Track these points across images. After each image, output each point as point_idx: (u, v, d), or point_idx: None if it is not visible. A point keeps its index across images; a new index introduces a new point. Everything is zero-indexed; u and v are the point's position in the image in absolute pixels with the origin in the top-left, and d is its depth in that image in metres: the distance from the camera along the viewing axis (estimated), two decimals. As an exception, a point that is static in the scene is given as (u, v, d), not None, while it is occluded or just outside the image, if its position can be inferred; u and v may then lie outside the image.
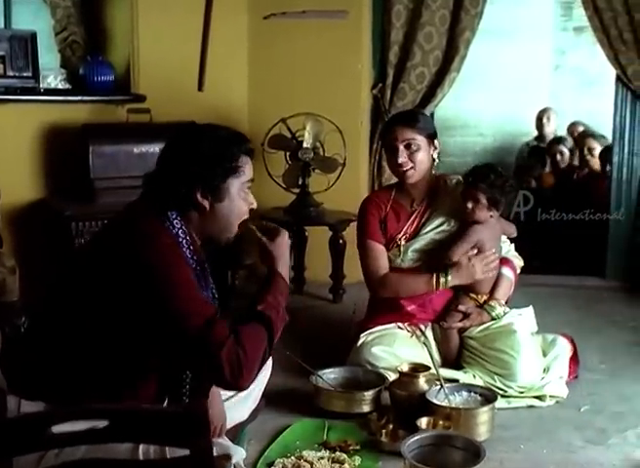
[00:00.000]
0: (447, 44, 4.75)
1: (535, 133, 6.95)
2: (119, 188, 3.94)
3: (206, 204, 2.12)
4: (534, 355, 3.16)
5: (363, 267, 3.33)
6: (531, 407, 3.04)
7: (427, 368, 2.95)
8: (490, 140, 7.48)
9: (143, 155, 4.01)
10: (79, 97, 4.21)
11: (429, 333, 3.27)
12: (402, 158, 3.21)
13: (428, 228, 3.30)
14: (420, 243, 3.29)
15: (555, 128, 6.76)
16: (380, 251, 3.28)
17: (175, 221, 2.12)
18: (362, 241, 3.34)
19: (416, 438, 2.44)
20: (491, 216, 3.22)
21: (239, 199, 2.17)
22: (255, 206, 2.23)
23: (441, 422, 2.66)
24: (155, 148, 3.96)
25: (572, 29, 7.60)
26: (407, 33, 4.74)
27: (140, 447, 1.88)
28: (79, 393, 2.04)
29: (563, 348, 3.31)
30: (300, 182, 4.35)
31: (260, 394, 2.73)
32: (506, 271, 3.30)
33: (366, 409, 2.93)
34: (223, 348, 1.95)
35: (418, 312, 3.27)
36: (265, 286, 2.23)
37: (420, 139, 3.23)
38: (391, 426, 2.75)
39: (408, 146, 3.22)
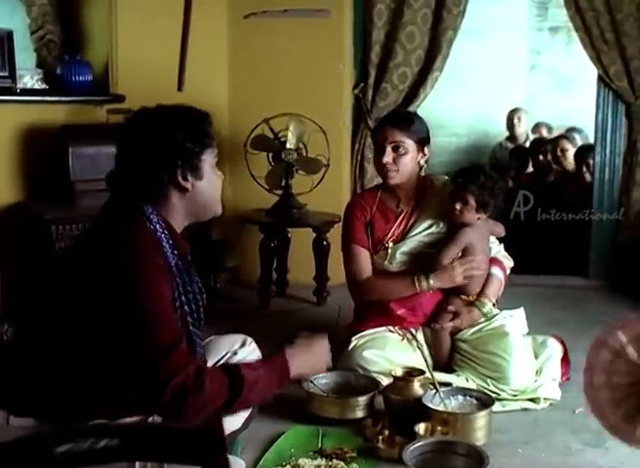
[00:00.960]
0: (429, 43, 4.72)
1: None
2: (100, 191, 3.73)
3: (188, 185, 2.10)
4: (526, 358, 3.13)
5: (346, 270, 3.30)
6: (525, 409, 3.01)
7: (421, 372, 2.92)
8: (464, 140, 7.49)
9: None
10: (57, 98, 4.10)
11: (420, 337, 3.23)
12: (387, 158, 3.18)
13: (416, 231, 3.26)
14: (408, 246, 3.25)
15: (526, 128, 6.77)
16: (363, 255, 3.25)
17: (152, 216, 2.08)
18: (346, 245, 3.30)
19: (417, 445, 2.40)
20: (478, 219, 3.19)
21: (214, 173, 2.17)
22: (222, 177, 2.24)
23: (439, 428, 2.62)
24: (136, 150, 3.90)
25: (547, 29, 7.63)
26: (389, 32, 4.70)
27: (137, 464, 1.82)
28: (64, 403, 1.99)
29: (554, 350, 3.29)
30: (283, 184, 4.28)
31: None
32: (496, 271, 3.29)
33: (360, 414, 2.87)
34: (175, 376, 1.95)
35: (408, 316, 3.23)
36: (265, 360, 2.29)
37: (410, 144, 3.20)
38: (387, 432, 2.70)
39: (396, 148, 3.19)
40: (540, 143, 6.23)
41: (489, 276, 3.26)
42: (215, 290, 4.29)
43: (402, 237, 3.26)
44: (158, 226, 2.09)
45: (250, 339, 2.64)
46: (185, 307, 2.17)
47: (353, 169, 4.83)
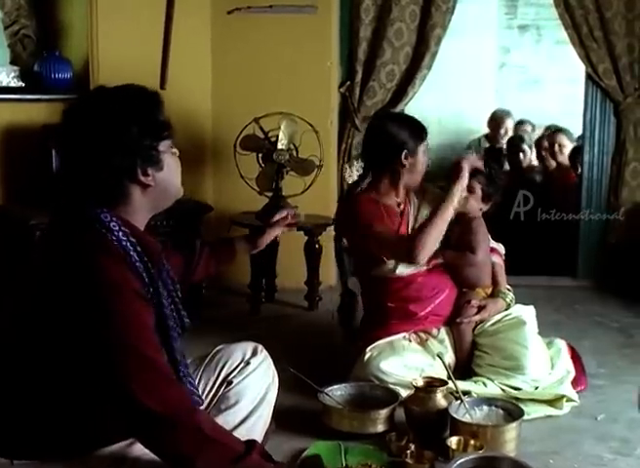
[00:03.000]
0: (417, 40, 4.62)
1: (481, 131, 6.93)
2: None
3: (150, 180, 1.90)
4: (542, 348, 3.12)
5: (389, 243, 3.04)
6: (547, 417, 2.92)
7: (443, 381, 2.81)
8: (434, 139, 7.40)
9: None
10: (36, 96, 3.88)
11: (444, 335, 3.14)
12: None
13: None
14: None
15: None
16: (393, 230, 3.10)
17: (112, 224, 1.85)
18: (368, 227, 3.04)
19: (459, 461, 2.28)
20: (480, 209, 3.22)
21: (171, 157, 1.96)
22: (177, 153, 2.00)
23: (472, 442, 2.51)
24: (122, 151, 3.71)
25: (516, 27, 7.61)
26: (376, 29, 4.59)
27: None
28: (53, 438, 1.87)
29: (561, 345, 3.26)
30: (273, 185, 4.13)
31: (270, 415, 2.52)
32: (497, 259, 3.32)
33: (380, 428, 2.74)
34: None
35: (429, 316, 3.15)
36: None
37: None
38: (413, 446, 2.58)
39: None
40: (516, 142, 6.17)
41: (493, 265, 3.29)
42: (200, 297, 4.11)
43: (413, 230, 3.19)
44: (121, 234, 1.87)
45: (260, 347, 2.48)
46: (169, 323, 2.01)
47: (340, 169, 4.70)
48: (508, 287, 3.30)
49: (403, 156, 3.11)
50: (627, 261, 4.65)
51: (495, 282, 3.27)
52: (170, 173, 1.96)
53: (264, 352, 2.47)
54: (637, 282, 4.53)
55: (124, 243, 1.86)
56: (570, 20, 4.53)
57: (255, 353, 2.43)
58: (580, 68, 7.00)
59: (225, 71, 4.55)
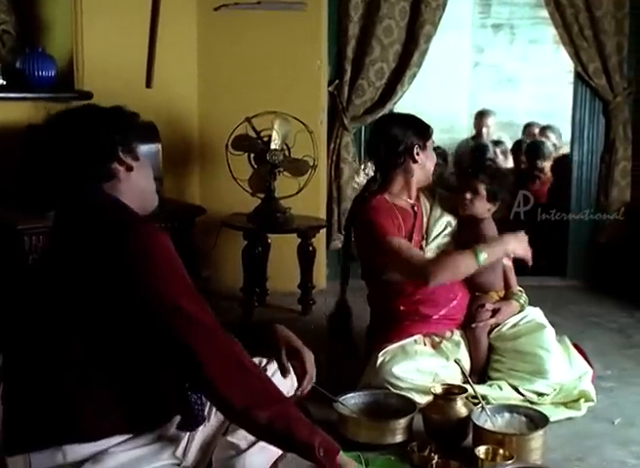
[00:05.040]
0: (407, 38, 4.54)
1: (457, 130, 6.92)
2: None
3: (130, 162, 1.93)
4: (561, 351, 3.08)
5: (404, 262, 2.97)
6: (565, 420, 2.88)
7: (461, 388, 2.74)
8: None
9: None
10: (20, 95, 3.71)
11: (459, 338, 3.08)
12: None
13: (439, 227, 3.19)
14: (438, 244, 3.17)
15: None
16: (409, 243, 3.03)
17: (119, 197, 1.92)
18: (384, 241, 2.98)
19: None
20: (488, 210, 3.16)
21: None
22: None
23: (501, 451, 2.44)
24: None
25: (490, 26, 7.61)
26: (365, 27, 4.50)
27: None
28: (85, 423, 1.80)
29: (569, 342, 3.22)
30: (266, 186, 4.02)
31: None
32: (507, 261, 3.24)
33: (399, 438, 2.66)
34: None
35: (443, 319, 3.09)
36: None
37: None
38: (437, 457, 2.50)
39: None
40: (495, 145, 6.16)
41: (504, 268, 3.23)
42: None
43: (426, 233, 3.17)
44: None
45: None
46: None
47: (329, 169, 4.61)
48: (520, 288, 3.25)
49: (415, 152, 3.07)
50: (617, 261, 4.65)
51: (506, 284, 3.22)
52: (146, 172, 1.99)
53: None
54: (628, 281, 4.53)
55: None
56: (560, 20, 4.49)
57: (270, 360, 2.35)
58: (553, 67, 7.08)
59: (212, 69, 4.42)
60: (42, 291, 1.88)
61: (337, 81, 4.55)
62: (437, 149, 5.12)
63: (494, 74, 7.62)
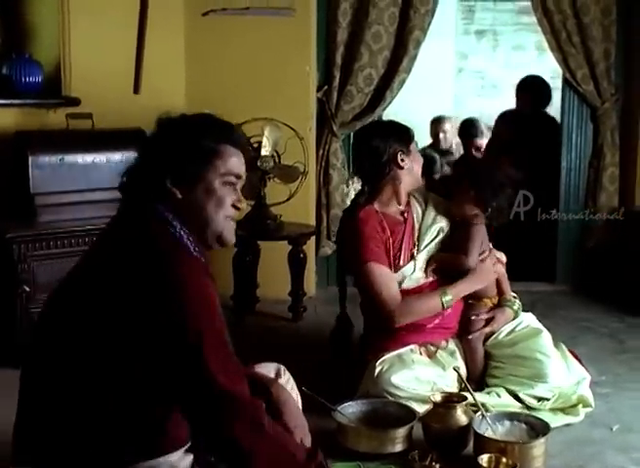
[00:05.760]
0: (396, 44, 4.53)
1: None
2: (64, 205, 3.50)
3: (177, 191, 1.88)
4: (559, 355, 3.07)
5: (374, 295, 2.97)
6: (565, 426, 2.86)
7: (461, 396, 2.72)
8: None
9: (89, 166, 3.56)
10: (7, 101, 3.65)
11: (454, 347, 3.06)
12: None
13: (432, 233, 3.14)
14: (429, 251, 3.12)
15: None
16: (389, 275, 3.00)
17: (174, 223, 1.87)
18: (365, 267, 2.97)
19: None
20: (476, 214, 3.11)
21: (219, 190, 1.92)
22: (243, 205, 2.06)
23: (504, 460, 2.42)
24: (101, 158, 3.56)
25: (473, 33, 7.63)
26: (354, 33, 4.49)
27: None
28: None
29: (564, 347, 3.21)
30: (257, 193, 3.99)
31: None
32: (500, 268, 3.21)
33: (399, 447, 2.63)
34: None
35: (438, 328, 3.06)
36: None
37: None
38: (438, 466, 2.48)
39: None
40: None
41: (498, 274, 3.20)
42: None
43: (418, 240, 3.12)
44: (183, 233, 1.88)
45: (283, 368, 2.41)
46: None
47: (317, 176, 4.58)
48: (514, 294, 3.25)
49: (400, 158, 3.04)
50: (605, 266, 4.66)
51: (500, 291, 3.20)
52: (206, 200, 1.91)
53: (287, 373, 2.40)
54: (616, 286, 4.54)
55: (185, 240, 1.86)
56: (548, 26, 4.50)
57: (278, 375, 2.35)
58: (537, 73, 7.08)
59: (200, 75, 4.39)
60: (74, 304, 1.83)
61: (325, 87, 4.53)
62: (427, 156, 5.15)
63: (477, 80, 7.64)
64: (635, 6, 4.55)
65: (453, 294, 3.00)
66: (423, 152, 6.08)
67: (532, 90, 5.15)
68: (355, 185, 4.20)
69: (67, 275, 1.90)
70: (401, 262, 3.05)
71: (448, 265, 3.08)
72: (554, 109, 4.97)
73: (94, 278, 1.82)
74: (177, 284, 1.73)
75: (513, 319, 3.14)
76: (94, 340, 1.75)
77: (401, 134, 3.12)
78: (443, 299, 2.98)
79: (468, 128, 5.85)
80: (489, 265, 3.08)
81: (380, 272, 2.96)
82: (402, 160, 3.05)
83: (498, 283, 3.21)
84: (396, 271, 3.03)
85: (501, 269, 3.23)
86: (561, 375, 2.98)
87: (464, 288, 3.06)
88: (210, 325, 1.75)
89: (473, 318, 3.08)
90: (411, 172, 3.11)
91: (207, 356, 1.71)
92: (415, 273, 3.06)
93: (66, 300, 1.85)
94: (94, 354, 1.74)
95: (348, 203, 3.71)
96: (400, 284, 3.03)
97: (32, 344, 1.89)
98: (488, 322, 3.09)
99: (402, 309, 2.94)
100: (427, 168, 5.67)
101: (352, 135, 4.43)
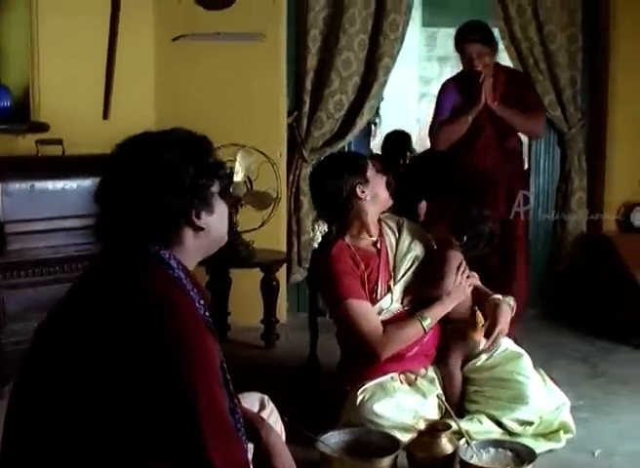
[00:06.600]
0: (365, 70, 4.54)
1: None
2: (34, 233, 3.42)
3: (202, 223, 1.77)
4: (539, 378, 3.06)
5: (356, 332, 2.92)
6: (548, 452, 2.86)
7: (445, 424, 2.70)
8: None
9: (60, 193, 3.48)
10: (-24, 127, 3.58)
11: (433, 375, 3.04)
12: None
13: (407, 263, 3.10)
14: (406, 280, 3.09)
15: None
16: (368, 308, 2.96)
17: (171, 261, 1.73)
18: (344, 304, 2.92)
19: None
20: (450, 241, 3.09)
21: (221, 201, 1.84)
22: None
23: (492, 487, 2.40)
24: (72, 185, 3.49)
25: (436, 59, 7.71)
26: (324, 59, 4.49)
27: None
28: None
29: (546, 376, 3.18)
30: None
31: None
32: (474, 280, 3.16)
33: (383, 477, 2.60)
34: None
35: (417, 356, 3.04)
36: None
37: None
38: (425, 495, 2.46)
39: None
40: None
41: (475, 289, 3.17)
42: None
43: (393, 271, 3.08)
44: (181, 273, 1.75)
45: (267, 398, 2.34)
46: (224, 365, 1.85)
47: (288, 202, 4.56)
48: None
49: (360, 191, 3.01)
50: (575, 290, 4.70)
51: (484, 293, 3.16)
52: (220, 218, 1.83)
53: (271, 404, 2.33)
54: (586, 310, 4.58)
55: (183, 281, 1.73)
56: (515, 53, 4.56)
57: (263, 406, 2.29)
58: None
59: (170, 100, 4.34)
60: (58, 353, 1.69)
61: (295, 113, 4.52)
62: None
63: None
64: (600, 34, 4.64)
65: (431, 317, 2.97)
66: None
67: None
68: (321, 228, 4.16)
69: (51, 319, 1.75)
70: (378, 296, 3.02)
71: (425, 295, 3.06)
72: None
73: (85, 327, 1.67)
74: (175, 345, 1.60)
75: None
76: (82, 397, 1.62)
77: (353, 165, 3.06)
78: (424, 324, 2.94)
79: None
80: (462, 282, 3.04)
81: (359, 307, 2.92)
82: (362, 191, 3.01)
83: (474, 293, 3.15)
84: (374, 304, 2.99)
85: (476, 281, 3.20)
86: (542, 397, 2.97)
87: (441, 308, 3.01)
88: (208, 400, 1.61)
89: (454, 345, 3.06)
90: (375, 199, 3.05)
91: (204, 436, 1.59)
92: (392, 305, 3.03)
93: (53, 352, 1.70)
94: (82, 412, 1.61)
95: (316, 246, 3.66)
96: (378, 314, 3.00)
97: (17, 393, 1.76)
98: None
99: (384, 343, 2.90)
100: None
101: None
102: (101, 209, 1.77)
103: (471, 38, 3.84)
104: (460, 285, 3.04)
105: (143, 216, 1.75)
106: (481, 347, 3.06)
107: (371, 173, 3.06)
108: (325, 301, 3.22)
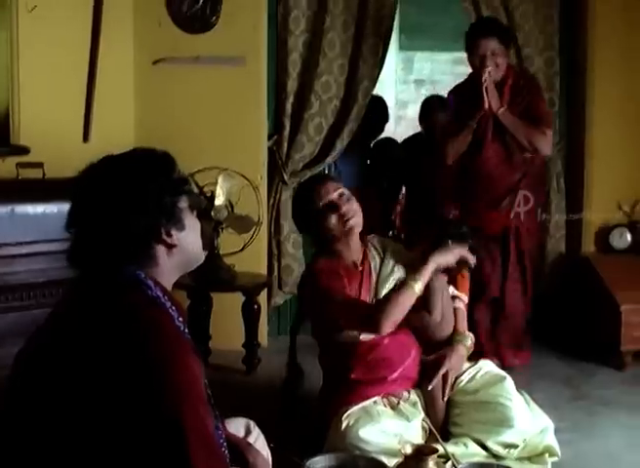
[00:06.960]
0: (345, 94, 4.57)
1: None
2: (14, 256, 3.37)
3: (174, 240, 1.76)
4: (522, 401, 3.03)
5: (352, 314, 2.89)
6: (533, 476, 2.86)
7: (431, 448, 2.67)
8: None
9: (40, 217, 3.45)
10: (-47, 152, 3.55)
11: (416, 398, 3.02)
12: (345, 208, 2.98)
13: (387, 284, 3.06)
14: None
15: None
16: (358, 298, 2.97)
17: (148, 281, 1.73)
18: (333, 302, 2.89)
19: None
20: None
21: (191, 216, 1.83)
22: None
23: (480, 512, 2.39)
24: (53, 208, 3.46)
25: (412, 82, 7.78)
26: (303, 82, 4.52)
27: None
28: None
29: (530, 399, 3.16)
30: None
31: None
32: (460, 304, 3.20)
33: (372, 502, 2.58)
34: None
35: (399, 379, 3.01)
36: None
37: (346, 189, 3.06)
38: (413, 520, 2.43)
39: (341, 195, 3.01)
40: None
41: (455, 311, 3.16)
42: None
43: (375, 292, 3.05)
44: (159, 292, 1.74)
45: (253, 423, 2.34)
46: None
47: (269, 225, 4.55)
48: (468, 332, 3.17)
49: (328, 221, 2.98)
50: (554, 312, 4.71)
51: (455, 326, 3.13)
52: (192, 232, 1.82)
53: (257, 429, 2.32)
54: (566, 332, 4.60)
55: (162, 300, 1.72)
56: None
57: (249, 431, 2.28)
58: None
59: (150, 124, 4.33)
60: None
61: (275, 136, 4.52)
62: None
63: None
64: (577, 58, 4.70)
65: (420, 279, 2.85)
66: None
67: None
68: None
69: (32, 344, 1.73)
70: None
71: (413, 322, 3.03)
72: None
73: (68, 351, 1.65)
74: (159, 365, 1.58)
75: (467, 356, 3.11)
76: (67, 421, 1.59)
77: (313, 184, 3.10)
78: (415, 286, 2.83)
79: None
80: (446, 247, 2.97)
81: (347, 296, 2.92)
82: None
83: (455, 319, 3.15)
84: None
85: (461, 306, 3.21)
86: (526, 420, 2.95)
87: (429, 268, 2.88)
88: (194, 420, 1.58)
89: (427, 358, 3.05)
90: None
91: (190, 455, 1.55)
92: None
93: (36, 378, 1.67)
94: (67, 436, 1.59)
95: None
96: (359, 334, 2.98)
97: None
98: (445, 377, 3.02)
99: (381, 308, 2.83)
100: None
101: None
102: (72, 235, 1.76)
103: (488, 33, 3.76)
104: (442, 249, 2.94)
105: (112, 239, 1.74)
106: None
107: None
108: (316, 316, 3.12)
